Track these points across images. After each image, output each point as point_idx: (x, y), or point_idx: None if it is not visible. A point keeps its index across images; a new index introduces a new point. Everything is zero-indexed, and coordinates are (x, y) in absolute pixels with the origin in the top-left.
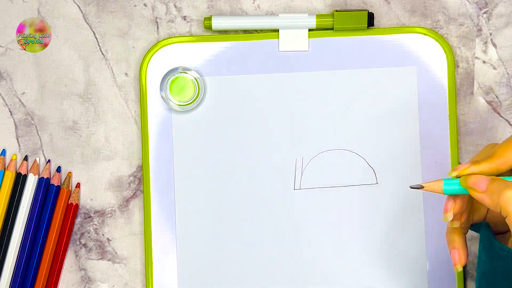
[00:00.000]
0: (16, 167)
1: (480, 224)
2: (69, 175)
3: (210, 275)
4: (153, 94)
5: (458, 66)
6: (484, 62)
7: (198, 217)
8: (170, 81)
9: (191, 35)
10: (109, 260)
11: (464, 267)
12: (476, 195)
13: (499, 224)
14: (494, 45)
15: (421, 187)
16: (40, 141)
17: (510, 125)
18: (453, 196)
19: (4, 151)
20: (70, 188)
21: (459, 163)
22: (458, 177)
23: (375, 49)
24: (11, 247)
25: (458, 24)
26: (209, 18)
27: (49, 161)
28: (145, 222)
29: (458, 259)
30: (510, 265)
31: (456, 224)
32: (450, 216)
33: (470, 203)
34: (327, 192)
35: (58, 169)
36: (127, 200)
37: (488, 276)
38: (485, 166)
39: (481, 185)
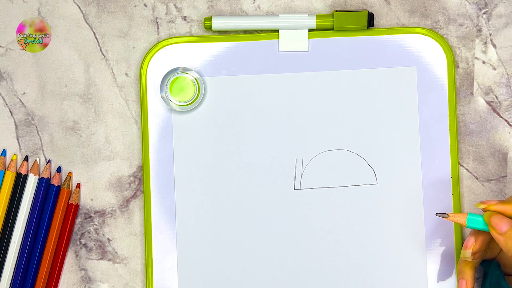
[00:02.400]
0: (16, 167)
1: (490, 262)
2: (70, 175)
3: (210, 275)
4: (153, 95)
5: (458, 66)
6: (483, 62)
7: (198, 217)
8: (170, 81)
9: (191, 36)
10: (109, 260)
11: None
12: (494, 234)
13: (508, 266)
14: (494, 46)
15: (446, 216)
16: (41, 141)
17: (510, 125)
18: (475, 234)
19: (4, 151)
20: (70, 188)
21: (459, 163)
22: (485, 210)
23: (375, 49)
24: (11, 247)
25: (458, 25)
26: (209, 19)
27: (49, 161)
28: (145, 222)
29: None
30: None
31: (470, 258)
32: (468, 253)
33: (488, 241)
34: (327, 192)
35: (59, 169)
36: (127, 200)
37: None
38: (511, 208)
39: (502, 227)
